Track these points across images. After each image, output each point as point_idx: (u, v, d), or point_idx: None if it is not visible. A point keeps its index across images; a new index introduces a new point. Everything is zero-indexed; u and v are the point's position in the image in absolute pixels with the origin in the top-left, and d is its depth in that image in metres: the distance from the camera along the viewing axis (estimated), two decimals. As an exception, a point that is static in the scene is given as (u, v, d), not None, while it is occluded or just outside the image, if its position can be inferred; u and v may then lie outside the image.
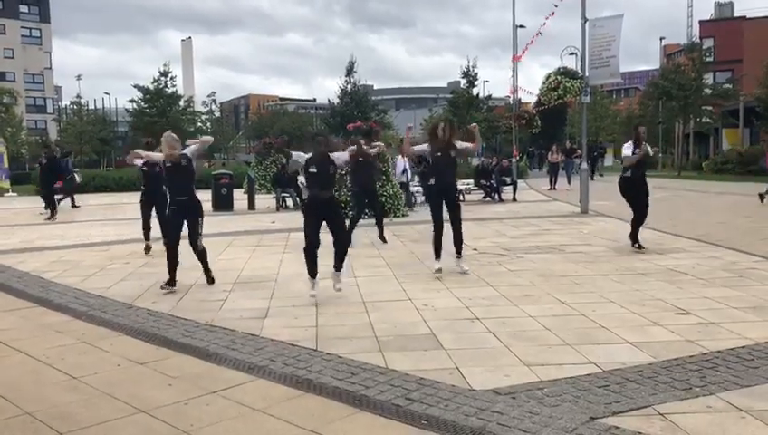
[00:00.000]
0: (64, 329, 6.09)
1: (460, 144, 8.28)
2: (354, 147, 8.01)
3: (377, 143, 11.28)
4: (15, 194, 28.94)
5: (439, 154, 8.14)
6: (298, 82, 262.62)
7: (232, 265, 9.10)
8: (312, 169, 6.87)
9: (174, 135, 7.82)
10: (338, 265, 7.06)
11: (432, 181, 8.34)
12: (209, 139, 8.93)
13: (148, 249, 10.28)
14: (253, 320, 6.14)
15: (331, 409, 4.07)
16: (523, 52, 28.49)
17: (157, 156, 8.16)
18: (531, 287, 7.33)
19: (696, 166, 39.71)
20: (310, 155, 6.96)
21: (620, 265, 8.55)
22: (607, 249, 9.86)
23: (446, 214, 8.24)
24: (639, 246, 9.62)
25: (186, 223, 7.62)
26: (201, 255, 7.78)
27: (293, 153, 7.32)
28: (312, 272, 6.94)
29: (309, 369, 4.70)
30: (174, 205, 7.66)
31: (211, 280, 7.84)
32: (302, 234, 7.04)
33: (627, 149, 9.85)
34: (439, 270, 8.04)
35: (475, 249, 10.10)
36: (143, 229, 10.41)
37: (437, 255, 8.21)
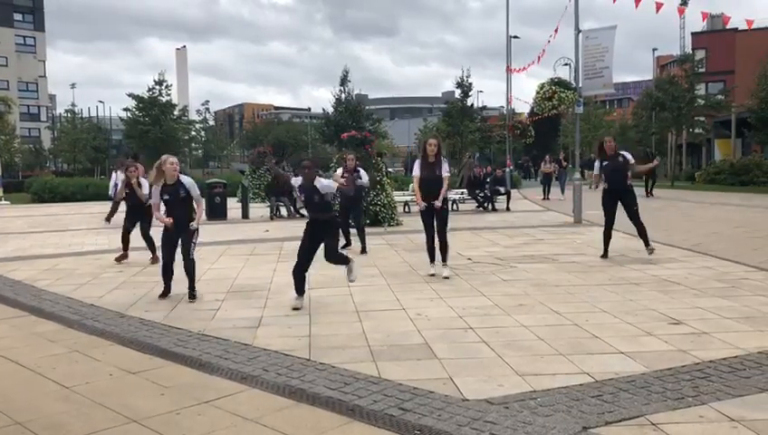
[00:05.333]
0: (56, 338, 6.06)
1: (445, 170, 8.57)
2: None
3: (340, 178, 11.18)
4: (8, 202, 28.83)
5: (425, 173, 8.53)
6: (285, 91, 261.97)
7: (225, 274, 9.08)
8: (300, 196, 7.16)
9: (172, 159, 7.44)
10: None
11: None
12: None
13: (122, 258, 10.28)
14: (246, 329, 6.12)
15: (324, 419, 4.06)
16: (529, 65, 28.71)
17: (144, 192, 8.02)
18: (524, 297, 7.33)
19: (688, 176, 39.92)
20: (300, 180, 7.09)
21: (613, 275, 8.57)
22: (600, 259, 9.88)
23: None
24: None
25: (180, 240, 7.52)
26: (190, 264, 7.45)
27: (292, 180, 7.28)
28: (298, 289, 7.05)
29: (302, 379, 4.69)
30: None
31: (192, 296, 7.44)
32: (296, 243, 7.07)
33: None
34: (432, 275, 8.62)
35: (469, 259, 10.12)
36: (123, 240, 10.43)
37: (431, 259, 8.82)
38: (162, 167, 7.33)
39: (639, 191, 23.37)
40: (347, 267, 7.24)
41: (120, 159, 23.15)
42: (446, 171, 8.52)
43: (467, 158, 27.41)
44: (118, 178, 17.97)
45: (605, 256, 9.93)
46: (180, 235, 7.48)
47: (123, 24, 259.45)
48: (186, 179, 7.52)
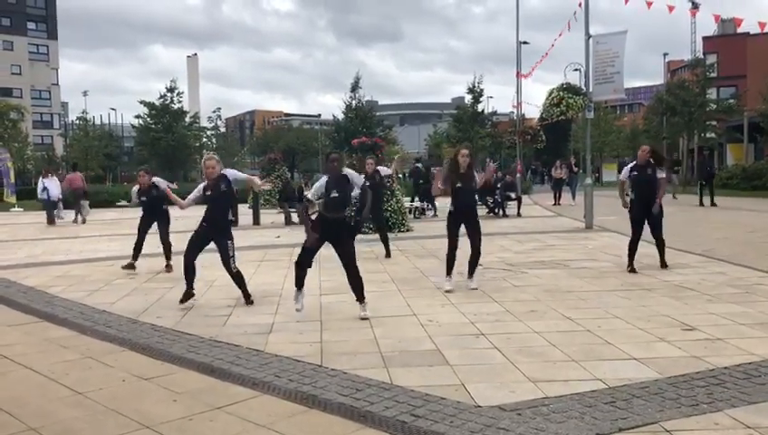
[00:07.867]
0: (69, 344, 6.09)
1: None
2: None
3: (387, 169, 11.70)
4: (21, 209, 29.03)
5: (460, 184, 8.13)
6: (291, 97, 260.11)
7: (236, 281, 9.09)
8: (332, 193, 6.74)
9: (215, 156, 7.92)
10: (359, 298, 6.83)
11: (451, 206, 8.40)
12: (255, 181, 8.75)
13: (130, 266, 10.14)
14: (257, 335, 6.13)
15: (335, 425, 4.06)
16: (532, 70, 28.73)
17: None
18: (536, 303, 7.31)
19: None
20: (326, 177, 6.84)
21: (626, 281, 8.52)
22: (612, 265, 9.83)
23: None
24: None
25: (216, 247, 7.54)
26: (236, 277, 7.59)
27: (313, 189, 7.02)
28: (297, 282, 6.91)
29: (314, 385, 4.69)
30: (204, 222, 7.57)
31: (249, 302, 7.56)
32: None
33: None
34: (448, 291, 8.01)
35: (480, 265, 10.07)
36: (135, 247, 10.30)
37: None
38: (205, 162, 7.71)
39: (694, 199, 23.43)
40: (360, 305, 6.81)
41: (45, 167, 26.53)
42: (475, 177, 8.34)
43: (515, 164, 27.62)
44: (44, 182, 20.51)
45: (632, 269, 9.15)
46: (213, 236, 7.54)
47: (127, 32, 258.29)
48: (228, 172, 7.71)
